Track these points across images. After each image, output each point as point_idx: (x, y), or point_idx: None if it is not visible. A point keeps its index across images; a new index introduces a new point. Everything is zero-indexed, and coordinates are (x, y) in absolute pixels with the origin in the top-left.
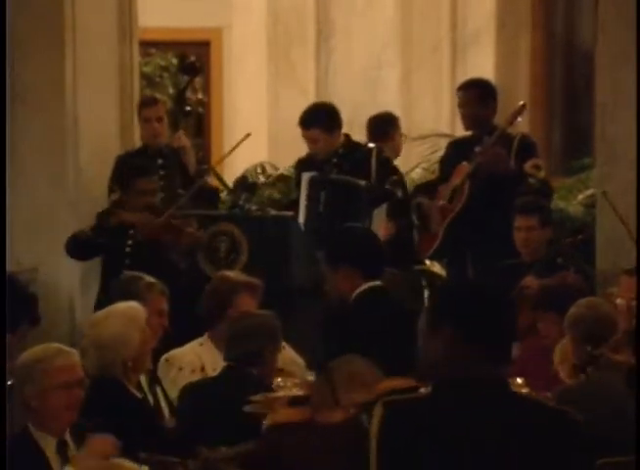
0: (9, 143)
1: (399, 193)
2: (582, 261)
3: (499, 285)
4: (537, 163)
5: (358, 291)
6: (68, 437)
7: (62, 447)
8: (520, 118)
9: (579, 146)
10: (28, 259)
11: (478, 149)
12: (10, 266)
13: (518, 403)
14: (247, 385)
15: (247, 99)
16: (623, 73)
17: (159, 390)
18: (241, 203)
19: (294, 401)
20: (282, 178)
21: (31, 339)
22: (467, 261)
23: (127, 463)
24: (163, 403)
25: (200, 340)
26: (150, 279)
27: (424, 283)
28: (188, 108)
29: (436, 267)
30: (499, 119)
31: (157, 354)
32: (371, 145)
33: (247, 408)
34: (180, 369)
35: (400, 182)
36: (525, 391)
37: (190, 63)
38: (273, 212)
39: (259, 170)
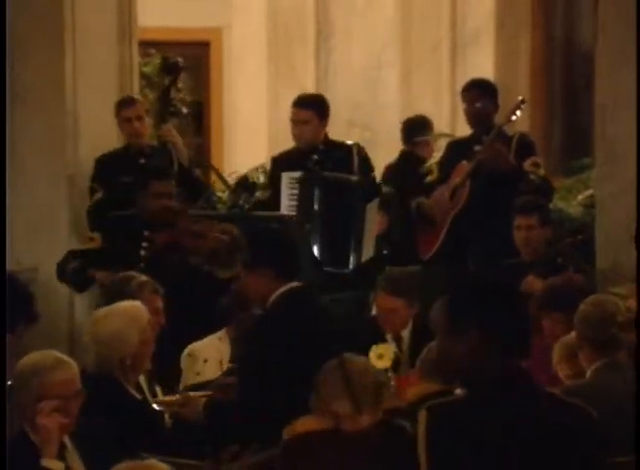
0: (9, 143)
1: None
2: (582, 261)
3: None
4: (536, 161)
5: (278, 292)
6: (65, 438)
7: (60, 451)
8: (519, 113)
9: (579, 146)
10: (28, 259)
11: (477, 148)
12: (10, 266)
13: (545, 398)
14: None
15: (247, 99)
16: (623, 73)
17: (158, 390)
18: (241, 203)
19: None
20: None
21: (31, 339)
22: (468, 261)
23: (160, 464)
24: None
25: (218, 334)
26: (142, 278)
27: None
28: (172, 108)
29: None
30: (498, 119)
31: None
32: (350, 142)
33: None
34: (206, 361)
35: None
36: None
37: (172, 62)
38: (273, 213)
39: (261, 171)
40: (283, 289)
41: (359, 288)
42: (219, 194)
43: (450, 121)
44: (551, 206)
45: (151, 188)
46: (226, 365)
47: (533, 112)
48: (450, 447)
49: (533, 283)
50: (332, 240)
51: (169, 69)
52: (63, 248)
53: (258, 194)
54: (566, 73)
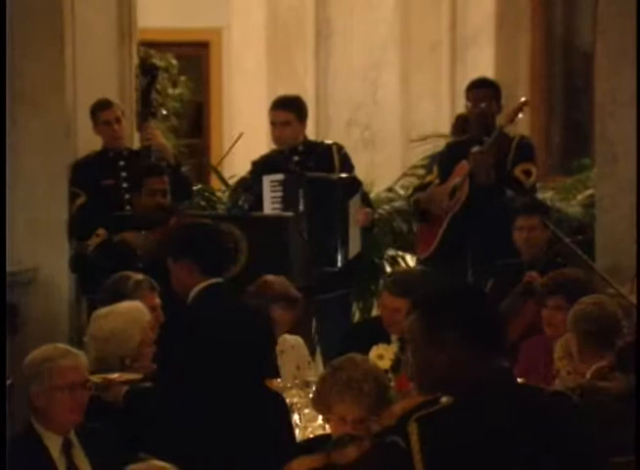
0: (9, 143)
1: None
2: (582, 261)
3: (499, 284)
4: (528, 168)
5: (198, 287)
6: (73, 436)
7: (67, 447)
8: (520, 115)
9: (579, 146)
10: (28, 260)
11: (476, 148)
12: (10, 266)
13: (531, 394)
14: None
15: (246, 99)
16: (623, 73)
17: None
18: (240, 203)
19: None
20: None
21: (31, 339)
22: (467, 260)
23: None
24: None
25: None
26: (138, 276)
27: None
28: (153, 109)
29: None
30: (498, 119)
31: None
32: (329, 141)
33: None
34: None
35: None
36: None
37: (149, 64)
38: (273, 213)
39: None
40: (203, 284)
41: (349, 286)
42: (219, 194)
43: (450, 121)
44: (551, 206)
45: (145, 185)
46: None
47: (533, 112)
48: (445, 456)
49: (536, 276)
50: (319, 240)
51: (146, 70)
52: (63, 248)
53: (241, 202)
54: (565, 73)
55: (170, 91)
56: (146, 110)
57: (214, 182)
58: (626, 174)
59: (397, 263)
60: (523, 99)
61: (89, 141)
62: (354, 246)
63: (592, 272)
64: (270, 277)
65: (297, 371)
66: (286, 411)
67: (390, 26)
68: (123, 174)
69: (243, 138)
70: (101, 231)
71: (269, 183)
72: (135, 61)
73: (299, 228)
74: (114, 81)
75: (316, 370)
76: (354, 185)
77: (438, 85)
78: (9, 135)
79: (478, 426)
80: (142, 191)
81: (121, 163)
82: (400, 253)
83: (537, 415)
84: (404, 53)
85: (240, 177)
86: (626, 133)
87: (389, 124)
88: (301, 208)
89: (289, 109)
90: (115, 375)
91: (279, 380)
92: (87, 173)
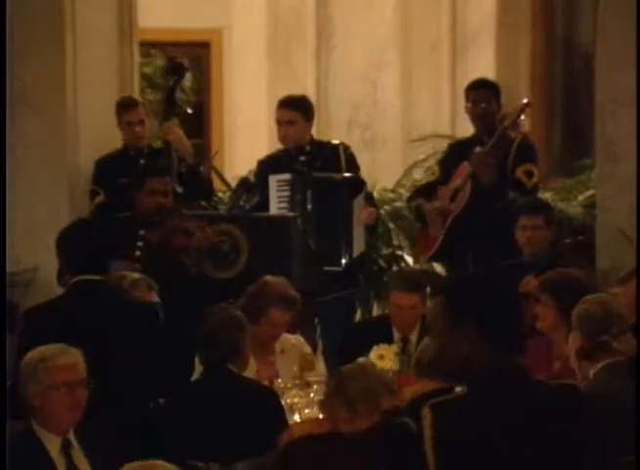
0: (9, 143)
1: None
2: (583, 262)
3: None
4: (530, 169)
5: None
6: (72, 437)
7: (66, 447)
8: (523, 117)
9: (579, 146)
10: (28, 260)
11: (478, 149)
12: (10, 266)
13: (541, 388)
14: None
15: (247, 99)
16: (623, 73)
17: None
18: (241, 203)
19: None
20: None
21: None
22: (468, 262)
23: (165, 464)
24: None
25: None
26: (135, 275)
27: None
28: (177, 108)
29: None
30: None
31: None
32: (336, 141)
33: None
34: None
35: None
36: None
37: (177, 62)
38: (274, 213)
39: None
40: (71, 282)
41: (354, 286)
42: (220, 195)
43: (450, 122)
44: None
45: (146, 185)
46: None
47: (534, 112)
48: (457, 444)
49: (530, 283)
50: (324, 239)
51: (175, 69)
52: None
53: (242, 202)
54: (566, 74)
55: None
56: (170, 108)
57: (215, 182)
58: (627, 174)
59: (397, 263)
60: (525, 100)
61: (89, 141)
62: (358, 245)
63: (593, 273)
64: (269, 278)
65: (299, 371)
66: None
67: (391, 27)
68: None
69: (243, 138)
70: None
71: (276, 183)
72: (136, 61)
73: (306, 228)
74: (114, 81)
75: (318, 370)
76: (358, 185)
77: (439, 85)
78: (9, 135)
79: (491, 418)
80: (143, 190)
81: (142, 161)
82: (400, 252)
83: (548, 410)
84: (404, 53)
85: (241, 178)
86: (627, 133)
87: (390, 125)
88: (309, 207)
89: (294, 108)
90: None
91: (279, 380)
92: (107, 172)
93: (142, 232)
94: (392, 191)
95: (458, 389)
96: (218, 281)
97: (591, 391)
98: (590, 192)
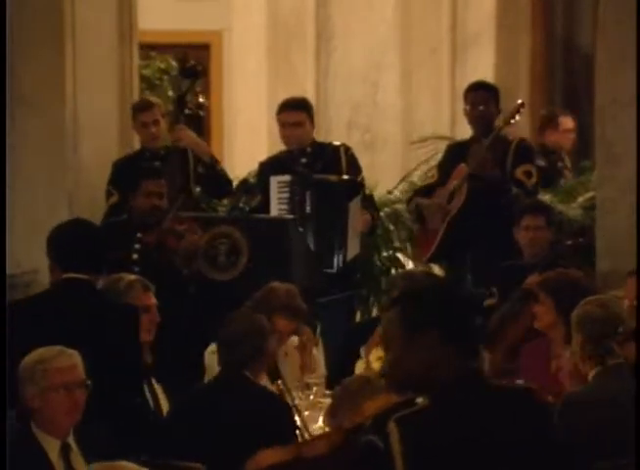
0: (9, 143)
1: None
2: (583, 264)
3: (501, 286)
4: (529, 169)
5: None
6: (71, 440)
7: (65, 451)
8: (518, 117)
9: (579, 148)
10: (28, 261)
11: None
12: (9, 269)
13: (499, 392)
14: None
15: (247, 101)
16: (623, 74)
17: (158, 387)
18: (241, 205)
19: None
20: None
21: None
22: (466, 263)
23: (131, 465)
24: (163, 401)
25: None
26: (131, 277)
27: None
28: (188, 111)
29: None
30: (498, 121)
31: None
32: (337, 143)
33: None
34: None
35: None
36: None
37: (191, 66)
38: (274, 215)
39: None
40: (59, 279)
41: (353, 288)
42: None
43: (450, 123)
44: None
45: (142, 187)
46: None
47: (533, 113)
48: (427, 458)
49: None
50: (321, 241)
51: (188, 72)
52: None
53: (241, 204)
54: (566, 74)
55: (171, 93)
56: (180, 111)
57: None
58: (627, 176)
59: (395, 266)
60: (519, 101)
61: (89, 141)
62: (353, 248)
63: (592, 275)
64: (276, 284)
65: (302, 374)
66: None
67: (391, 28)
68: None
69: (243, 139)
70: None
71: (276, 184)
72: (136, 62)
73: (306, 230)
74: (114, 82)
75: (319, 372)
76: (355, 187)
77: (439, 86)
78: (8, 136)
79: (456, 427)
80: (139, 192)
81: (157, 163)
82: (400, 255)
83: (510, 414)
84: (404, 54)
85: (241, 180)
86: (627, 134)
87: (390, 126)
88: (308, 209)
89: (300, 109)
90: None
91: (280, 382)
92: (123, 173)
93: (139, 235)
94: (391, 193)
95: (419, 400)
96: (218, 283)
97: (590, 393)
98: (590, 194)
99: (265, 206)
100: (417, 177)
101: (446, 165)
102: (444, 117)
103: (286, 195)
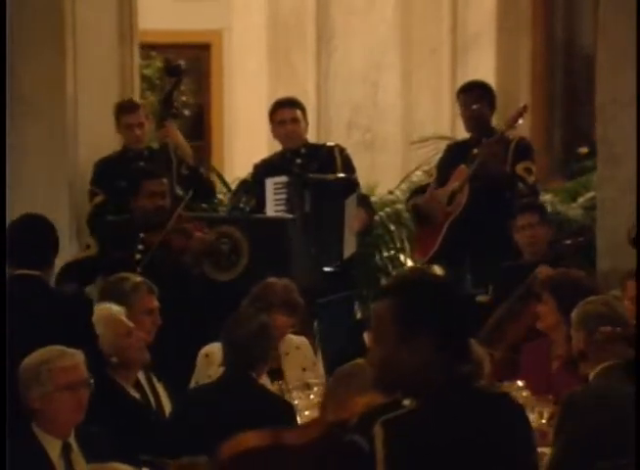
0: (9, 143)
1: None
2: (583, 264)
3: (501, 286)
4: (528, 166)
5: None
6: (72, 440)
7: (66, 451)
8: (521, 121)
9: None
10: None
11: (476, 151)
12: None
13: (486, 398)
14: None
15: (247, 101)
16: (623, 75)
17: (159, 386)
18: (241, 205)
19: None
20: None
21: None
22: (466, 265)
23: (124, 466)
24: (165, 400)
25: None
26: (136, 279)
27: None
28: (174, 110)
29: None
30: (498, 122)
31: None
32: (331, 143)
33: None
34: (220, 367)
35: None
36: (524, 394)
37: (176, 65)
38: (274, 215)
39: None
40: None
41: (352, 288)
42: (220, 196)
43: (450, 124)
44: (552, 208)
45: (143, 188)
46: None
47: (534, 114)
48: (411, 462)
49: (544, 271)
50: (318, 240)
51: (172, 71)
52: (63, 250)
53: (242, 204)
54: (566, 75)
55: None
56: (167, 110)
57: (215, 184)
58: (627, 176)
59: (395, 266)
60: (522, 105)
61: (89, 141)
62: (349, 247)
63: (593, 274)
64: (274, 280)
65: (303, 373)
66: None
67: (391, 28)
68: None
69: (243, 140)
70: (92, 242)
71: (272, 185)
72: (136, 62)
73: (305, 229)
74: (114, 82)
75: (319, 372)
76: (350, 186)
77: (439, 87)
78: (9, 136)
79: (443, 432)
80: (140, 193)
81: (140, 163)
82: (402, 256)
83: (493, 419)
84: (405, 55)
85: (241, 180)
86: (627, 134)
87: (390, 127)
88: (307, 209)
89: (296, 106)
90: None
91: (280, 382)
92: (106, 173)
93: (142, 235)
94: (392, 193)
95: (406, 402)
96: (219, 283)
97: (590, 393)
98: (590, 194)
99: (260, 208)
100: (417, 177)
101: (446, 165)
102: (444, 118)
103: (283, 196)
